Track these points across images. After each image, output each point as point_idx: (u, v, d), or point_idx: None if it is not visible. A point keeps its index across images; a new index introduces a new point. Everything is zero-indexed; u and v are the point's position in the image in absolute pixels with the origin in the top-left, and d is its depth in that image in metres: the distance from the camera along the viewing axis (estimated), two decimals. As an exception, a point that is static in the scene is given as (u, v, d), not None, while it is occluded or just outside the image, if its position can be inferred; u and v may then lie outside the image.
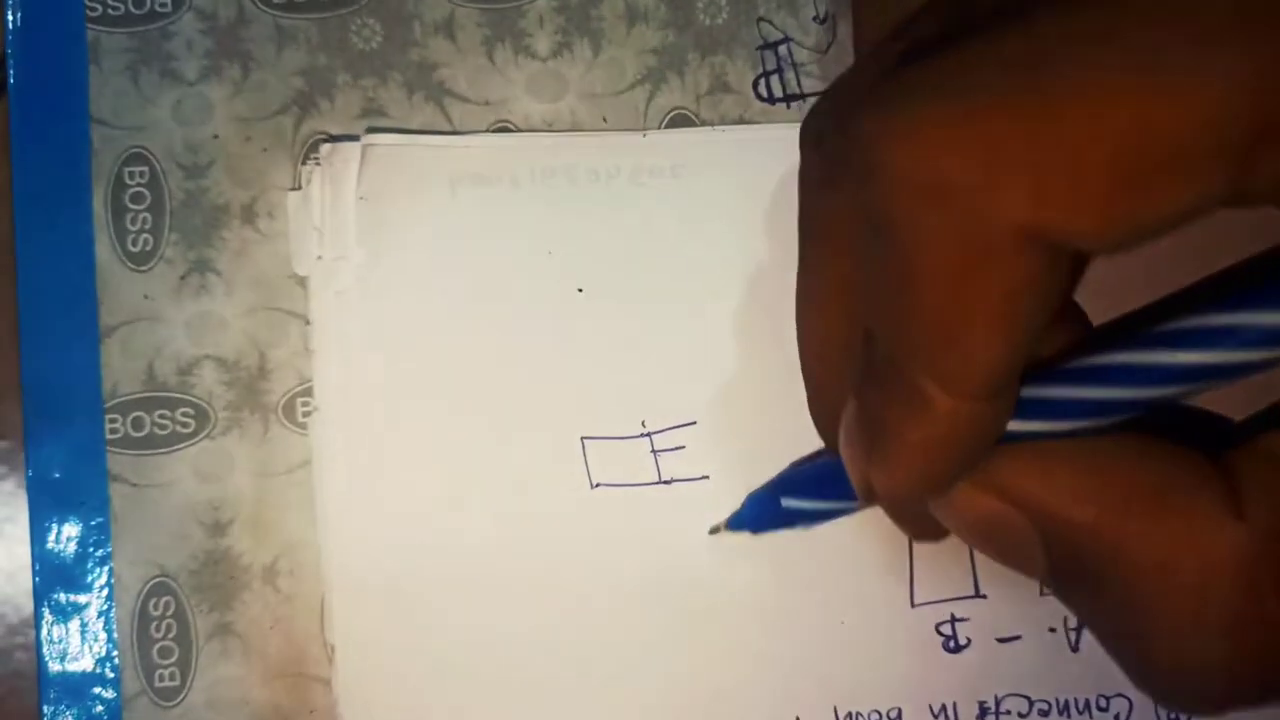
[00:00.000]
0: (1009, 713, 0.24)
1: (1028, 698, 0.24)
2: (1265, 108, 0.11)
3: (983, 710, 0.24)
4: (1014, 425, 0.15)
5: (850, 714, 0.24)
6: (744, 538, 0.23)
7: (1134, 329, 0.15)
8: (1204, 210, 0.12)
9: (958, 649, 0.24)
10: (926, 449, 0.15)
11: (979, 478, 0.16)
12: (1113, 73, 0.12)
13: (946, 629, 0.24)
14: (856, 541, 0.24)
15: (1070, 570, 0.16)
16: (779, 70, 0.25)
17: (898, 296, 0.14)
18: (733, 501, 0.23)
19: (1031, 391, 0.16)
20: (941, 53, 0.13)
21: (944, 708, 0.24)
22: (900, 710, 0.24)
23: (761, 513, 0.22)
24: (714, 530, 0.23)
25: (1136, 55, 0.12)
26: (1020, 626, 0.24)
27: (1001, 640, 0.24)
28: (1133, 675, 0.15)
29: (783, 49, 0.25)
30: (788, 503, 0.21)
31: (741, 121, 0.25)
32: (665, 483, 0.24)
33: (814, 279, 0.19)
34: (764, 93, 0.25)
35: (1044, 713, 0.24)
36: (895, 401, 0.15)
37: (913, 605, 0.24)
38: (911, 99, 0.13)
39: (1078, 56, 0.12)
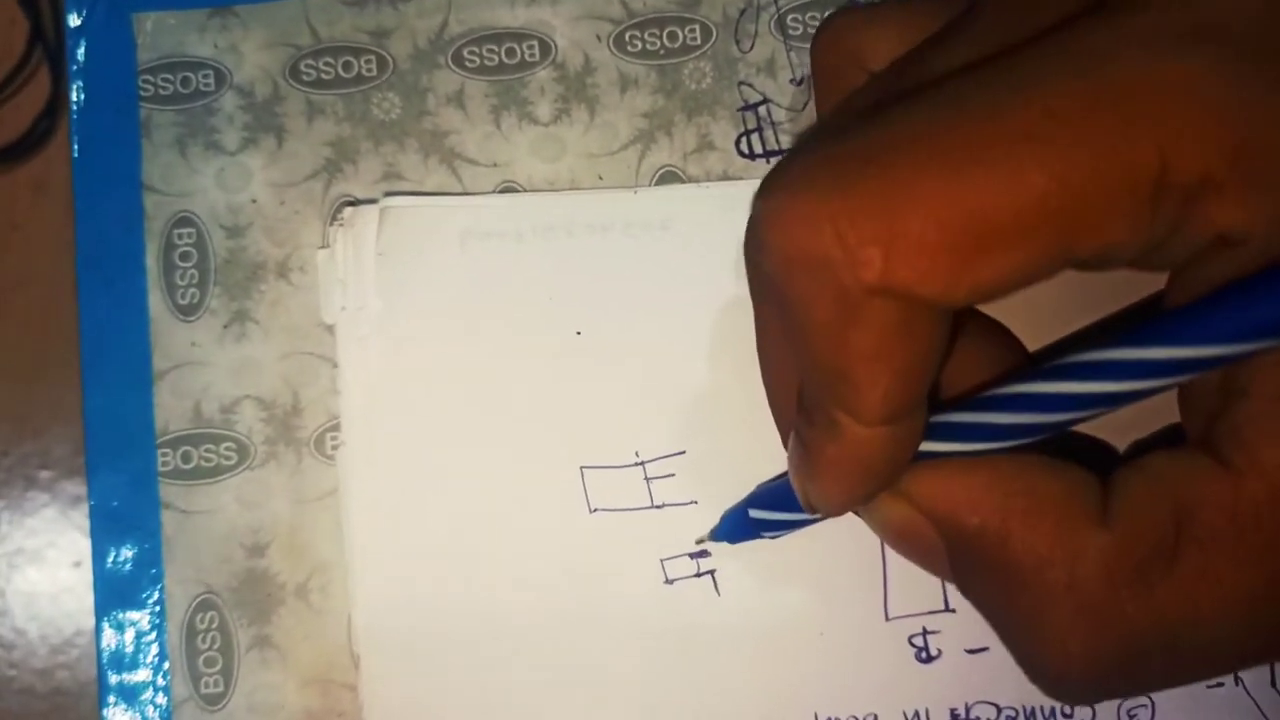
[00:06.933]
0: (979, 719, 0.26)
1: (996, 705, 0.26)
2: (1075, 197, 0.13)
3: (954, 716, 0.26)
4: (930, 446, 0.18)
5: (830, 719, 0.26)
6: (729, 554, 0.25)
7: (1034, 366, 0.17)
8: (1043, 276, 0.15)
9: (929, 659, 0.26)
10: (845, 467, 0.17)
11: (894, 489, 0.18)
12: (944, 166, 0.14)
13: (919, 641, 0.26)
14: (834, 560, 0.26)
15: (966, 567, 0.18)
16: (759, 129, 0.27)
17: (799, 346, 0.16)
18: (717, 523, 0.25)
19: (944, 418, 0.18)
20: (811, 146, 0.15)
21: (917, 714, 0.26)
22: (876, 716, 0.26)
23: (735, 525, 0.25)
24: (699, 542, 0.25)
25: (961, 151, 0.14)
26: (988, 639, 0.25)
27: (971, 651, 0.26)
28: (1020, 663, 0.18)
29: (762, 109, 0.27)
30: (755, 514, 0.23)
31: (725, 177, 0.27)
32: (657, 507, 0.26)
33: (762, 335, 0.22)
34: (745, 150, 0.27)
35: (1011, 719, 0.26)
36: (818, 430, 0.17)
37: (887, 619, 0.26)
38: (783, 187, 0.15)
39: (915, 149, 0.14)
